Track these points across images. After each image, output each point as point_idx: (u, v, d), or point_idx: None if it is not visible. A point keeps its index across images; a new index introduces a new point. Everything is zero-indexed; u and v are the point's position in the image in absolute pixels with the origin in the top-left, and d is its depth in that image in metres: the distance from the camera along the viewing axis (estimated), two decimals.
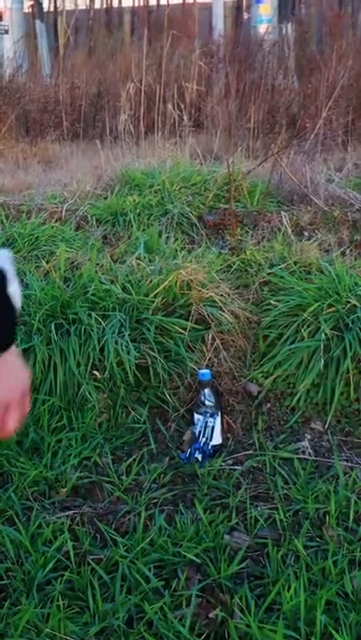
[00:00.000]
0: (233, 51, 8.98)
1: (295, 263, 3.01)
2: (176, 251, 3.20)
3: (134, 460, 2.21)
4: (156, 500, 2.04)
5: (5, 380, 1.15)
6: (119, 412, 2.40)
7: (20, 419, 1.17)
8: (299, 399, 2.50)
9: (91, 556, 1.75)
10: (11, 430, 1.16)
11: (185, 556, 1.78)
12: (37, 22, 11.90)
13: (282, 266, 2.97)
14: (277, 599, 1.63)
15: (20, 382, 1.19)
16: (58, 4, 16.10)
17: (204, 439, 2.19)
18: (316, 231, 3.73)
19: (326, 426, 2.42)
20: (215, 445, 2.26)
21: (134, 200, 3.82)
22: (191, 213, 3.78)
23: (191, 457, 2.17)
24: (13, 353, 1.16)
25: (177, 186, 4.04)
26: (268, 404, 2.53)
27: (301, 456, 2.27)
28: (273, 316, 2.69)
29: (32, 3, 12.64)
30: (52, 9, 16.42)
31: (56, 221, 3.57)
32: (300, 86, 8.13)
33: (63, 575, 1.72)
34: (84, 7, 18.00)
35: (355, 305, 2.58)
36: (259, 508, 2.01)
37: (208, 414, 2.24)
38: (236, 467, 2.22)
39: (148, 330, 2.52)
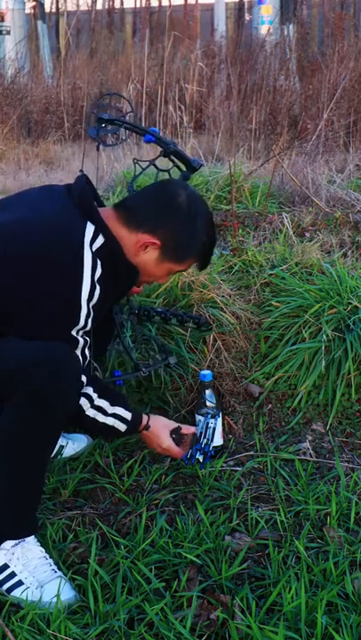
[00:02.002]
0: (235, 52, 9.00)
1: (297, 264, 3.01)
2: None
3: (135, 461, 2.21)
4: (157, 502, 2.04)
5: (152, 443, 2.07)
6: None
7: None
8: (300, 400, 2.50)
9: (92, 557, 1.75)
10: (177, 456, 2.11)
11: (186, 557, 1.78)
12: (39, 23, 11.92)
13: (283, 267, 2.98)
14: (278, 600, 1.63)
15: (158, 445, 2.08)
16: (60, 5, 16.11)
17: (205, 440, 2.19)
18: (318, 232, 3.73)
19: (328, 427, 2.43)
20: (216, 446, 2.26)
21: None
22: None
23: (192, 458, 2.17)
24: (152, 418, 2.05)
25: None
26: (270, 406, 2.53)
27: (303, 457, 2.27)
28: (274, 318, 2.70)
29: (34, 4, 12.66)
30: (53, 10, 16.43)
31: None
32: (301, 87, 8.14)
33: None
34: (86, 8, 18.02)
35: (356, 306, 2.58)
36: (260, 509, 2.02)
37: (209, 415, 2.24)
38: (237, 468, 2.22)
39: (150, 331, 2.53)
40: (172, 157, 2.23)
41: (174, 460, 2.22)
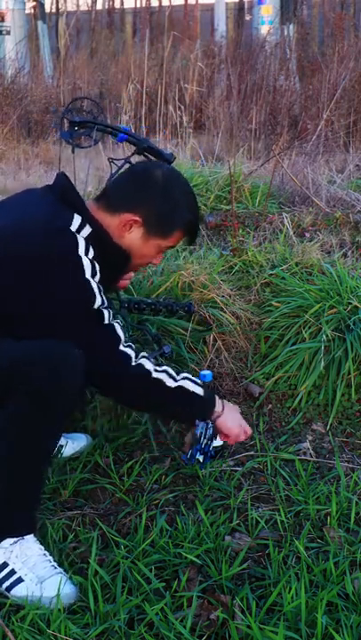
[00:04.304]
0: (235, 52, 9.00)
1: (297, 264, 3.01)
2: (178, 252, 3.21)
3: (136, 461, 2.21)
4: (157, 502, 2.04)
5: (230, 418, 1.98)
6: (120, 414, 2.40)
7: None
8: (300, 400, 2.50)
9: (92, 557, 1.75)
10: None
11: (186, 558, 1.78)
12: (39, 23, 11.92)
13: (283, 267, 2.98)
14: (278, 600, 1.63)
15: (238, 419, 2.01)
16: (60, 5, 16.11)
17: (205, 440, 2.19)
18: (318, 232, 3.73)
19: (328, 427, 2.43)
20: (216, 446, 2.26)
21: None
22: None
23: (192, 458, 2.17)
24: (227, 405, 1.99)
25: None
26: (270, 406, 2.53)
27: (303, 457, 2.27)
28: (274, 318, 2.70)
29: (34, 4, 12.66)
30: (53, 10, 16.42)
31: None
32: (301, 87, 8.14)
33: None
34: (86, 8, 18.03)
35: (356, 306, 2.58)
36: (260, 510, 2.02)
37: None
38: (237, 468, 2.22)
39: (150, 331, 2.52)
40: (146, 153, 2.25)
41: (174, 460, 2.22)
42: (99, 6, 18.40)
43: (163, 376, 1.85)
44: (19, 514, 1.73)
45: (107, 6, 18.92)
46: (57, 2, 16.32)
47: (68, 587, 1.67)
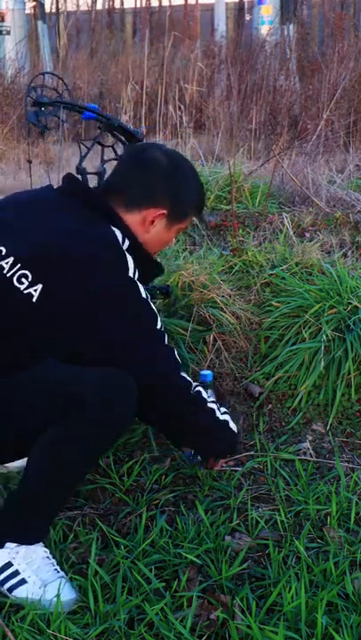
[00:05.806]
0: (235, 52, 9.00)
1: (297, 264, 3.01)
2: (178, 252, 3.21)
3: (136, 461, 2.21)
4: (157, 502, 2.04)
5: None
6: None
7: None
8: (300, 400, 2.50)
9: (92, 557, 1.75)
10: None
11: (186, 558, 1.78)
12: (39, 23, 11.91)
13: (283, 267, 2.98)
14: (278, 600, 1.63)
15: None
16: (60, 5, 16.10)
17: None
18: (318, 232, 3.73)
19: (328, 427, 2.43)
20: None
21: None
22: None
23: (193, 458, 2.17)
24: None
25: None
26: (270, 406, 2.53)
27: (303, 457, 2.27)
28: (274, 318, 2.70)
29: (34, 4, 12.66)
30: (53, 10, 16.41)
31: None
32: (301, 87, 8.14)
33: None
34: (86, 8, 18.02)
35: (356, 306, 2.58)
36: (260, 510, 2.02)
37: None
38: (237, 468, 2.22)
39: None
40: (115, 132, 2.22)
41: (174, 460, 2.22)
42: (99, 6, 18.39)
43: (214, 406, 1.88)
44: (41, 523, 1.73)
45: (107, 6, 18.90)
46: (57, 2, 16.30)
47: (70, 592, 1.66)
